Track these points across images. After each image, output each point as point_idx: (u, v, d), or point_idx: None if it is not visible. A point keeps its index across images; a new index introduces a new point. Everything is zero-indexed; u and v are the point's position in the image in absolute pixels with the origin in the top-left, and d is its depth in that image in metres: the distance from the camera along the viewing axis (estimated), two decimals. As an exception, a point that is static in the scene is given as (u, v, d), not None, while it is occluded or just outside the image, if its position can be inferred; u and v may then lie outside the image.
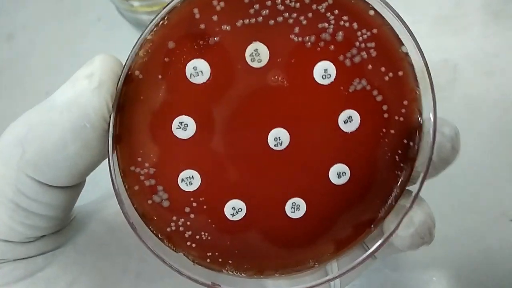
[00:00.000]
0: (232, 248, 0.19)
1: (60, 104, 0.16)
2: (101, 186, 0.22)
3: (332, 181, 0.19)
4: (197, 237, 0.18)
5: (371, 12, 0.17)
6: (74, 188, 0.18)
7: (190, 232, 0.18)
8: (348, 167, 0.19)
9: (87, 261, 0.19)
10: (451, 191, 0.34)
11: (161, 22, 0.16)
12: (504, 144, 0.34)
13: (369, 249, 0.19)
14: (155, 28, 0.16)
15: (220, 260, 0.19)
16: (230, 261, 0.19)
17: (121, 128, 0.17)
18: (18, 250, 0.18)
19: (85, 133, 0.16)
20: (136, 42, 0.16)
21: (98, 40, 0.43)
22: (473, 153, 0.33)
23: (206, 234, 0.19)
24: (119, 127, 0.17)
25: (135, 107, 0.17)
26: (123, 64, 0.16)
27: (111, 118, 0.16)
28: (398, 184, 0.19)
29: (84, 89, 0.16)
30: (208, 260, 0.19)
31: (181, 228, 0.18)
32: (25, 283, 0.18)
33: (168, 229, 0.18)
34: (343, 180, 0.19)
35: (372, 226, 0.19)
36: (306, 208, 0.19)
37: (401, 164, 0.19)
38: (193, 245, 0.19)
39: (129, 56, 0.16)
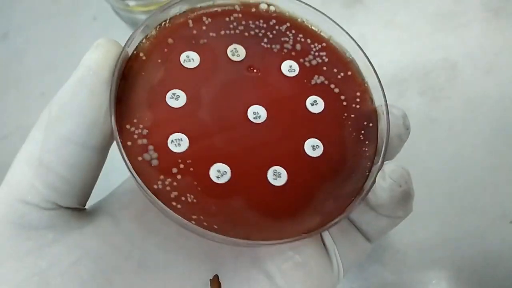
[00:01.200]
0: (217, 213, 0.19)
1: (74, 74, 0.20)
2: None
3: (308, 153, 0.21)
4: (183, 198, 0.19)
5: (319, 31, 0.24)
6: (93, 153, 0.19)
7: (176, 193, 0.19)
8: (321, 142, 0.21)
9: (91, 246, 0.19)
10: (450, 192, 0.33)
11: (164, 23, 0.22)
12: (504, 144, 0.34)
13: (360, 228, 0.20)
14: (158, 27, 0.22)
15: (205, 223, 0.18)
16: (215, 226, 0.18)
17: (123, 92, 0.20)
18: (34, 216, 0.18)
19: (90, 79, 0.19)
20: (138, 28, 0.21)
21: (94, 40, 0.40)
22: (473, 153, 0.33)
23: (192, 196, 0.19)
24: (120, 91, 0.20)
25: (136, 78, 0.20)
26: (124, 45, 0.20)
27: (113, 84, 0.19)
28: (367, 158, 0.21)
29: (88, 52, 0.20)
30: (193, 223, 0.18)
31: (167, 188, 0.19)
32: (34, 255, 0.18)
33: (155, 187, 0.19)
34: (318, 152, 0.21)
35: (352, 197, 0.20)
36: (287, 177, 0.20)
37: (366, 142, 0.21)
38: (179, 206, 0.18)
39: (131, 37, 0.20)
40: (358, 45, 0.23)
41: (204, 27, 0.22)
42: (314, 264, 0.20)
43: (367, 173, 0.21)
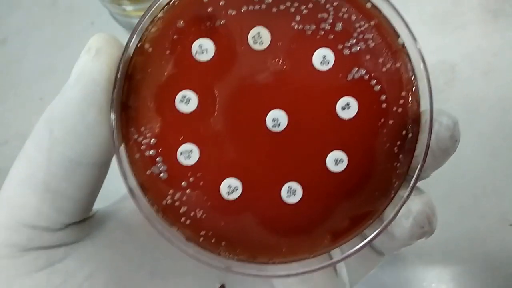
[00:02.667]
0: (226, 230, 0.19)
1: (72, 82, 0.18)
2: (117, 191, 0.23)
3: (329, 168, 0.19)
4: (192, 213, 0.19)
5: (369, 5, 0.18)
6: (100, 167, 0.19)
7: (185, 208, 0.19)
8: (346, 155, 0.19)
9: (104, 257, 0.20)
10: (450, 194, 0.33)
11: (172, 2, 0.18)
12: (503, 145, 0.34)
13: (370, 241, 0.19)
14: (166, 7, 0.18)
15: (213, 240, 0.19)
16: (223, 243, 0.19)
17: (128, 96, 0.18)
18: (43, 238, 0.18)
19: (98, 97, 0.17)
20: (143, 17, 0.18)
21: None
22: (472, 155, 0.33)
23: (201, 211, 0.19)
24: (126, 96, 0.18)
25: (142, 78, 0.18)
26: (129, 37, 0.18)
27: (117, 85, 0.17)
28: (397, 176, 0.19)
29: (86, 60, 0.17)
30: (201, 239, 0.19)
31: (176, 203, 0.19)
32: (45, 272, 0.18)
33: (164, 202, 0.19)
34: (341, 167, 0.19)
35: (370, 218, 0.19)
36: (302, 194, 0.19)
37: (400, 156, 0.19)
38: (188, 221, 0.19)
39: (134, 29, 0.18)
40: (408, 27, 0.18)
41: (222, 2, 0.18)
42: (319, 278, 0.20)
43: (393, 196, 0.19)
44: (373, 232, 0.18)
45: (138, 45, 0.18)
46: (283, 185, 0.19)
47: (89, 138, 0.18)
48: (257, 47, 0.18)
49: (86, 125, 0.17)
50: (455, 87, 0.36)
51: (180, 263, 0.21)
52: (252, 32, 0.18)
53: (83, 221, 0.20)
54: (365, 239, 0.19)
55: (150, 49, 0.18)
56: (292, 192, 0.19)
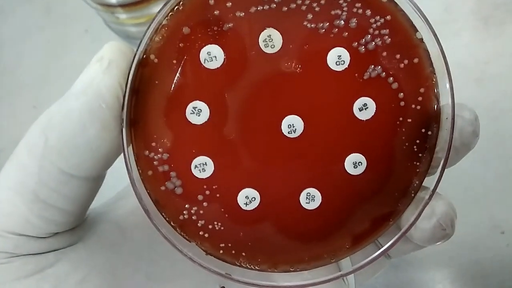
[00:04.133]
0: (246, 240, 0.18)
1: (77, 90, 0.17)
2: (112, 188, 0.22)
3: (348, 171, 0.18)
4: (210, 226, 0.18)
5: None
6: (95, 180, 0.18)
7: (203, 221, 0.18)
8: (365, 157, 0.18)
9: (97, 260, 0.19)
10: None
11: (176, 7, 0.17)
12: (494, 153, 0.34)
13: (382, 246, 0.19)
14: (171, 13, 0.17)
15: (233, 251, 0.18)
16: (244, 253, 0.19)
17: (136, 111, 0.17)
18: (31, 245, 0.18)
19: (102, 114, 0.16)
20: (149, 26, 0.16)
21: (86, 52, 0.40)
22: (463, 163, 0.33)
23: (219, 224, 0.18)
24: (134, 111, 0.17)
25: (150, 91, 0.17)
26: (136, 48, 0.17)
27: (125, 101, 0.17)
28: (417, 175, 0.18)
29: (96, 71, 0.16)
30: (221, 252, 0.18)
31: (193, 217, 0.18)
32: (35, 278, 0.18)
33: (181, 217, 0.18)
34: (360, 170, 0.18)
35: (390, 219, 0.19)
36: (322, 199, 0.18)
37: (420, 154, 0.18)
38: (206, 235, 0.18)
39: (141, 40, 0.17)
40: (428, 23, 0.17)
41: (229, 3, 0.17)
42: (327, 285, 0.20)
43: (413, 195, 0.18)
44: (389, 240, 0.18)
45: (143, 57, 0.17)
46: (302, 191, 0.18)
47: (87, 152, 0.17)
48: (269, 50, 0.17)
49: (85, 139, 0.17)
50: None
51: (178, 265, 0.20)
52: (263, 35, 0.17)
53: (74, 227, 0.19)
54: (379, 248, 0.18)
55: (156, 60, 0.17)
56: (311, 198, 0.18)
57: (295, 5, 0.17)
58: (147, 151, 0.17)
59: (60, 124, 0.17)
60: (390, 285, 0.33)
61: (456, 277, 0.32)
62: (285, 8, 0.17)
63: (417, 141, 0.18)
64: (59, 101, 0.17)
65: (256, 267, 0.19)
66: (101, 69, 0.16)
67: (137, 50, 0.17)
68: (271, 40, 0.17)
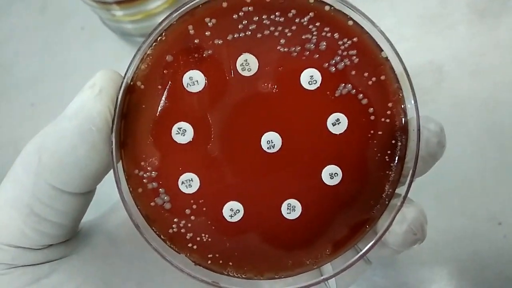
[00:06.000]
0: (232, 250, 0.20)
1: (69, 113, 0.18)
2: (103, 203, 0.23)
3: (325, 182, 0.19)
4: (198, 238, 0.19)
5: (350, 22, 0.19)
6: (85, 195, 0.20)
7: (191, 234, 0.19)
8: (340, 168, 0.19)
9: (90, 270, 0.20)
10: (440, 195, 0.34)
11: (159, 38, 0.18)
12: (491, 145, 0.34)
13: (361, 251, 0.20)
14: (154, 44, 0.18)
15: (220, 261, 0.20)
16: (231, 263, 0.20)
17: (125, 134, 0.19)
18: (27, 256, 0.19)
19: (92, 136, 0.18)
20: (135, 56, 0.18)
21: (82, 50, 0.42)
22: (460, 155, 0.33)
23: (207, 235, 0.19)
24: (123, 134, 0.19)
25: (137, 115, 0.19)
26: (124, 75, 0.18)
27: (114, 125, 0.18)
28: (390, 183, 0.20)
29: (88, 97, 0.18)
30: (209, 262, 0.20)
31: (182, 230, 0.19)
32: None
33: (170, 231, 0.19)
34: (336, 180, 0.19)
35: (367, 226, 0.20)
36: (302, 209, 0.20)
37: (391, 164, 0.20)
38: (194, 246, 0.19)
39: (129, 68, 0.18)
40: (389, 41, 0.19)
41: (207, 32, 0.19)
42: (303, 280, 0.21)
43: (387, 202, 0.20)
44: (367, 244, 0.19)
45: (131, 83, 0.18)
46: (283, 202, 0.19)
47: (76, 170, 0.18)
48: (246, 73, 0.19)
49: (75, 157, 0.18)
50: (443, 88, 0.36)
51: (168, 273, 0.21)
52: (240, 60, 0.19)
53: (68, 239, 0.21)
54: (357, 252, 0.20)
55: (142, 86, 0.18)
56: (292, 209, 0.20)
57: (268, 31, 0.19)
58: (137, 170, 0.19)
59: (53, 144, 0.18)
60: (387, 275, 0.33)
61: (453, 269, 0.33)
62: (259, 35, 0.19)
63: (388, 152, 0.20)
64: (53, 122, 0.19)
65: (243, 276, 0.20)
66: (92, 95, 0.18)
67: (124, 76, 0.18)
68: (247, 64, 0.19)
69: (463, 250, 0.32)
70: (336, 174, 0.19)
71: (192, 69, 0.19)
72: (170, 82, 0.18)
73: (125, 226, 0.22)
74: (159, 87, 0.18)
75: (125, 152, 0.19)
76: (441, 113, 0.35)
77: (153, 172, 0.19)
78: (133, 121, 0.19)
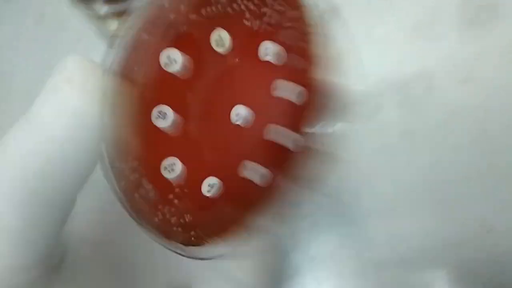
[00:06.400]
0: (211, 222, 0.19)
1: (48, 116, 0.17)
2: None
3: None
4: (181, 220, 0.19)
5: None
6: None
7: (175, 218, 0.19)
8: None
9: (74, 282, 0.20)
10: (430, 202, 0.33)
11: (134, 17, 0.18)
12: (481, 154, 0.33)
13: None
14: (129, 24, 0.18)
15: (203, 235, 0.19)
16: (210, 234, 0.18)
17: (107, 124, 0.18)
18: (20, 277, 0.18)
19: (84, 137, 0.17)
20: (110, 40, 0.18)
21: None
22: (450, 163, 0.33)
23: (189, 215, 0.19)
24: (107, 124, 0.18)
25: (118, 102, 0.19)
26: (101, 63, 0.18)
27: (98, 116, 0.18)
28: None
29: (67, 94, 0.17)
30: (193, 239, 0.19)
31: (167, 215, 0.19)
32: None
33: (156, 219, 0.19)
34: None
35: None
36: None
37: None
38: (179, 229, 0.19)
39: (106, 56, 0.18)
40: None
41: (182, 6, 0.18)
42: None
43: None
44: None
45: (110, 70, 0.19)
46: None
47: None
48: (220, 49, 0.18)
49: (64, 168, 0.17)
50: (433, 96, 0.35)
51: (151, 281, 0.20)
52: (214, 35, 0.18)
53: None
54: None
55: (120, 71, 0.19)
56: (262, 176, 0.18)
57: (237, 6, 0.18)
58: (118, 162, 0.19)
59: (39, 160, 0.17)
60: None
61: (443, 276, 0.32)
62: (230, 10, 0.18)
63: None
64: (28, 129, 0.18)
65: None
66: (72, 91, 0.17)
67: (102, 64, 0.18)
68: (221, 39, 0.18)
69: (453, 257, 0.32)
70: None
71: (169, 47, 0.18)
72: (147, 62, 0.18)
73: (105, 230, 0.21)
74: (136, 68, 0.18)
75: (107, 144, 0.19)
76: (431, 120, 0.35)
77: (134, 162, 0.19)
78: (113, 109, 0.19)
